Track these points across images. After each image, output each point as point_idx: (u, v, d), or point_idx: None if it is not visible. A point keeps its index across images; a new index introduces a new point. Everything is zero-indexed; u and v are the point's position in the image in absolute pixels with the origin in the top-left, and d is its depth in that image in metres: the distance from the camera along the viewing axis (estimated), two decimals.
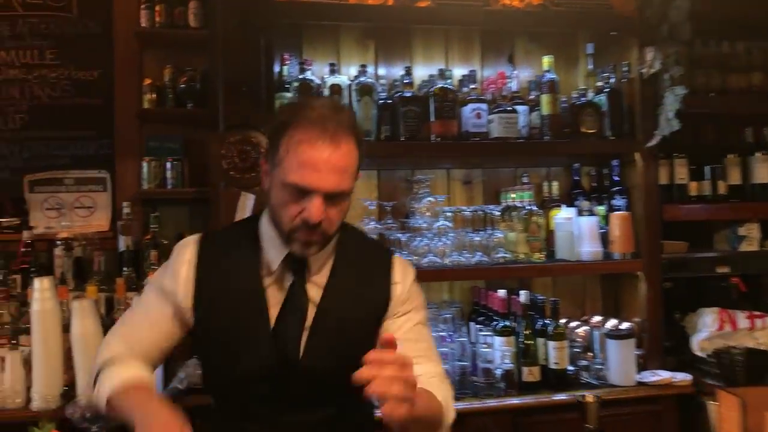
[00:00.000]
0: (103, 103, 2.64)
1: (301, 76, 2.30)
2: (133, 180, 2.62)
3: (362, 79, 2.33)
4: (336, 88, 2.27)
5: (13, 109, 2.61)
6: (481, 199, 2.84)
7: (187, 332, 1.36)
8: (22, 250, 2.41)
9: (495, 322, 2.38)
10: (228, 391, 1.36)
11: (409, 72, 2.43)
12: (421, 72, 2.69)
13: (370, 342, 1.27)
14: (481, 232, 2.50)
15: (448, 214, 2.56)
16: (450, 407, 1.30)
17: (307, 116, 1.22)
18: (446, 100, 2.39)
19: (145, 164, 2.55)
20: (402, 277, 1.41)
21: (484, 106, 2.47)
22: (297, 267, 1.32)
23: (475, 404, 2.23)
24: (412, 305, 1.40)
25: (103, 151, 2.64)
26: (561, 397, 2.28)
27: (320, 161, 1.19)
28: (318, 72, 2.49)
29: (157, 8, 2.56)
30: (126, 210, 2.51)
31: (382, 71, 2.72)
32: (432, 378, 1.30)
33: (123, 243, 2.48)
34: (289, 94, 2.32)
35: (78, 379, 2.01)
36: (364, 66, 2.37)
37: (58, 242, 2.44)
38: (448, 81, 2.55)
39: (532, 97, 2.62)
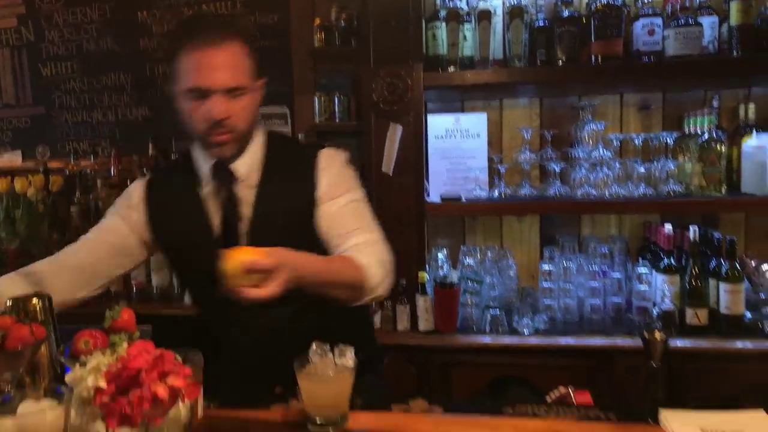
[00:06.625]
0: (282, 45, 2.90)
1: (450, 4, 2.28)
2: (309, 114, 2.86)
3: (513, 0, 2.22)
4: (484, 14, 2.21)
5: None
6: (660, 126, 2.57)
7: (149, 249, 1.52)
8: None
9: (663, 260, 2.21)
10: (205, 300, 1.51)
11: None
12: None
13: (309, 230, 1.41)
14: (646, 164, 2.28)
15: (615, 143, 2.39)
16: (375, 269, 1.32)
17: (189, 33, 1.33)
18: (609, 17, 2.18)
19: (316, 99, 2.78)
20: (327, 163, 1.45)
21: (658, 20, 2.20)
22: (224, 174, 1.42)
23: (628, 342, 2.13)
24: (344, 188, 1.44)
25: (284, 89, 2.92)
26: (731, 344, 2.07)
27: (209, 62, 1.30)
28: None
29: None
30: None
31: None
32: (360, 245, 1.36)
33: None
34: (441, 23, 2.32)
35: None
36: None
37: None
38: None
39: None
